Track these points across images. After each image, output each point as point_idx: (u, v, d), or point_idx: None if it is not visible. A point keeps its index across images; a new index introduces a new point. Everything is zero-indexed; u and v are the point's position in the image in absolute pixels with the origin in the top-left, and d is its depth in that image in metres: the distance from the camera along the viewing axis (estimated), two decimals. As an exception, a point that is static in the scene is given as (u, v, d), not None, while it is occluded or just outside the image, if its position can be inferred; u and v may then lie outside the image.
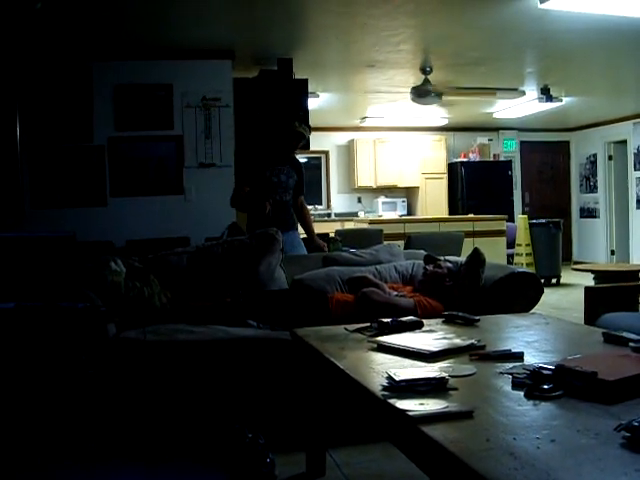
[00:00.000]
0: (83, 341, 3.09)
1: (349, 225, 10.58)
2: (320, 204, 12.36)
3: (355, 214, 11.81)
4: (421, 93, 7.18)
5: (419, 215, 11.73)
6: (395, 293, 4.07)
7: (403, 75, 7.54)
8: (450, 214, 11.72)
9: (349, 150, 12.13)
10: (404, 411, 1.81)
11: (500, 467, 1.43)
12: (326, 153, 12.23)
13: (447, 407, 1.83)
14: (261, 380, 3.56)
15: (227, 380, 3.55)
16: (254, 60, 6.84)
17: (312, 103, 8.30)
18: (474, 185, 11.74)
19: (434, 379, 2.07)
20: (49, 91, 6.22)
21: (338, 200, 12.30)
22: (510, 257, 10.26)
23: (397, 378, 2.08)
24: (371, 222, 9.72)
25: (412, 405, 1.85)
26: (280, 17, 5.65)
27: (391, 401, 1.92)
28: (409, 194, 12.21)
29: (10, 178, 6.19)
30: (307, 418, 3.17)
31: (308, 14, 5.69)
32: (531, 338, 2.81)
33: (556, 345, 2.76)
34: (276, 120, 6.42)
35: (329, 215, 12.02)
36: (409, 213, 12.06)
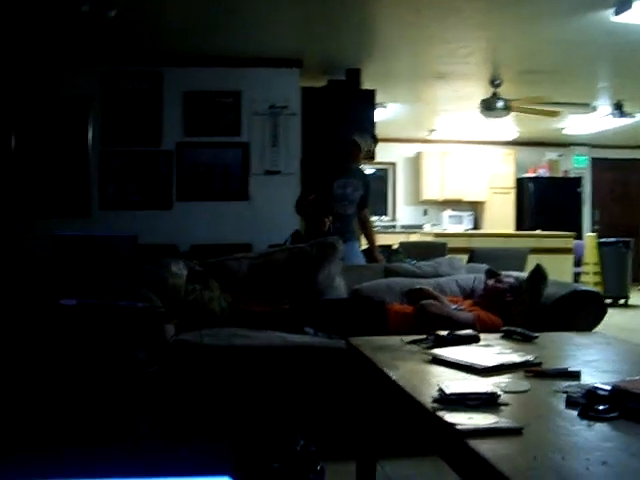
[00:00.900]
0: (141, 340, 3.15)
1: (414, 237, 10.51)
2: (385, 215, 12.32)
3: (420, 227, 11.74)
4: (489, 106, 7.10)
5: (485, 230, 11.57)
6: (454, 306, 4.02)
7: (471, 87, 7.47)
8: (517, 230, 11.52)
9: (416, 162, 12.06)
10: (452, 424, 1.78)
11: (545, 486, 1.39)
12: (393, 165, 12.18)
13: (497, 422, 1.80)
14: (316, 388, 3.57)
15: (282, 386, 3.57)
16: (322, 70, 6.88)
17: (380, 114, 8.30)
18: (542, 201, 11.53)
19: (485, 394, 2.03)
20: (120, 95, 6.39)
21: (404, 212, 12.23)
22: (577, 276, 10.02)
23: (448, 391, 2.05)
24: (436, 235, 9.65)
25: (461, 419, 1.82)
26: (349, 28, 5.69)
27: (440, 414, 1.89)
28: (476, 208, 12.06)
29: (80, 179, 6.37)
30: (359, 428, 3.14)
31: (377, 25, 5.71)
32: (590, 357, 2.73)
33: (616, 366, 2.67)
34: (340, 131, 6.48)
35: (394, 227, 11.98)
36: (475, 227, 11.90)
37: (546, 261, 9.69)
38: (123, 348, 3.06)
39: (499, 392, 2.06)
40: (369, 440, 3.10)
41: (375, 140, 5.57)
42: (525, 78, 7.05)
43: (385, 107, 8.44)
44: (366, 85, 6.90)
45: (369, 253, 5.60)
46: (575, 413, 1.91)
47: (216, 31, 5.78)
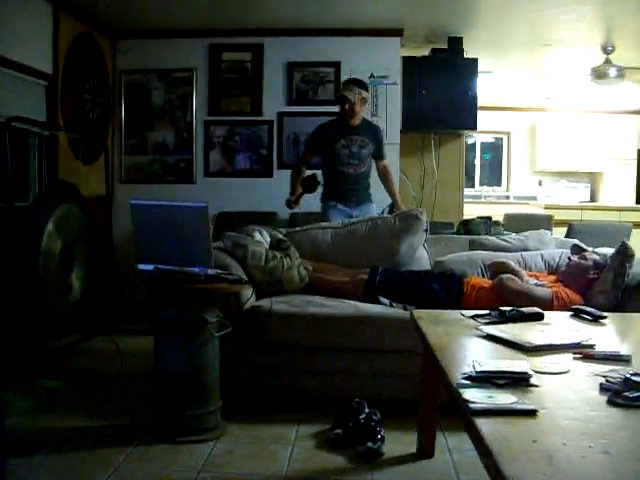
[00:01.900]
0: (212, 305, 3.30)
1: (526, 208, 10.24)
2: (500, 186, 12.06)
3: (534, 198, 11.41)
4: (601, 74, 6.78)
5: (602, 202, 11.09)
6: (534, 282, 3.94)
7: (583, 54, 7.14)
8: (637, 203, 10.97)
9: (532, 131, 11.68)
10: (466, 401, 1.80)
11: (528, 470, 1.39)
12: (508, 134, 11.86)
13: (514, 403, 1.80)
14: (385, 356, 3.62)
15: (351, 355, 3.65)
16: (424, 38, 6.78)
17: (489, 82, 8.11)
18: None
19: (516, 373, 2.03)
20: (224, 66, 6.58)
21: (518, 182, 11.90)
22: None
23: (479, 368, 2.06)
24: (546, 207, 9.37)
25: (479, 397, 1.83)
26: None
27: (460, 390, 1.90)
28: (593, 179, 11.58)
29: (185, 147, 6.64)
30: (421, 399, 3.17)
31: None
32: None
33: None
34: (442, 99, 6.43)
35: (507, 197, 11.71)
36: (592, 199, 11.44)
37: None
38: (193, 311, 3.21)
39: (531, 372, 2.05)
40: (429, 412, 3.13)
41: (364, 87, 5.27)
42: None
43: (492, 74, 8.19)
44: (470, 53, 6.75)
45: (393, 208, 5.41)
46: (605, 399, 1.88)
47: (317, 2, 5.81)
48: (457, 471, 3.00)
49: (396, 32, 6.51)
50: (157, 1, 5.59)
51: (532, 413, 1.74)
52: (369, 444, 3.10)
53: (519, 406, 1.77)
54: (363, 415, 3.32)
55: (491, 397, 1.84)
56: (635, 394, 1.87)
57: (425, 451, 3.14)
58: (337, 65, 6.57)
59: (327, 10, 6.04)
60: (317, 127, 5.41)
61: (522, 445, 1.53)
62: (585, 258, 3.95)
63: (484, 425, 1.64)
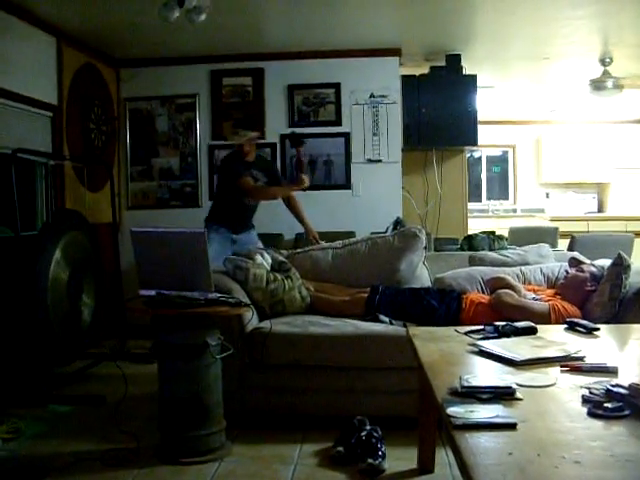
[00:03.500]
0: (213, 327, 3.37)
1: (533, 221, 10.28)
2: (507, 199, 12.09)
3: (542, 210, 11.43)
4: (599, 86, 6.84)
5: (610, 212, 11.10)
6: (532, 296, 3.99)
7: (581, 67, 7.20)
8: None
9: (537, 144, 11.72)
10: (449, 416, 1.85)
11: (499, 482, 1.45)
12: (513, 147, 11.91)
13: (494, 417, 1.85)
14: (386, 374, 3.67)
15: (351, 373, 3.70)
16: (422, 57, 6.87)
17: (489, 96, 8.18)
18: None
19: (500, 387, 2.08)
20: (226, 91, 6.71)
21: (525, 195, 11.93)
22: None
23: (464, 384, 2.11)
24: (552, 219, 9.40)
25: (462, 412, 1.88)
26: (447, 13, 5.63)
27: (445, 405, 1.96)
28: (600, 190, 11.58)
29: (191, 172, 6.76)
30: (420, 415, 3.22)
31: (476, 8, 5.61)
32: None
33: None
34: (442, 116, 6.52)
35: (515, 210, 11.73)
36: (599, 210, 11.45)
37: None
38: (195, 335, 3.28)
39: (515, 386, 2.10)
40: (428, 427, 3.17)
41: (250, 127, 5.41)
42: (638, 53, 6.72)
43: (493, 88, 8.24)
44: (469, 69, 6.82)
45: (397, 225, 5.55)
46: (585, 410, 1.93)
47: (314, 26, 5.91)
48: (457, 485, 3.03)
49: (394, 52, 6.61)
50: (158, 29, 5.69)
51: (512, 426, 1.79)
52: (370, 460, 3.15)
53: (499, 420, 1.82)
54: (364, 432, 3.37)
55: (473, 412, 1.89)
56: (615, 405, 1.92)
57: (426, 466, 3.18)
58: (337, 86, 6.68)
59: (326, 32, 6.14)
60: (226, 158, 5.57)
61: (497, 458, 1.59)
62: (582, 270, 3.99)
63: (462, 439, 1.70)
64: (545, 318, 3.66)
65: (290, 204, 5.67)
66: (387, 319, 3.98)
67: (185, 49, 6.50)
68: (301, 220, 5.68)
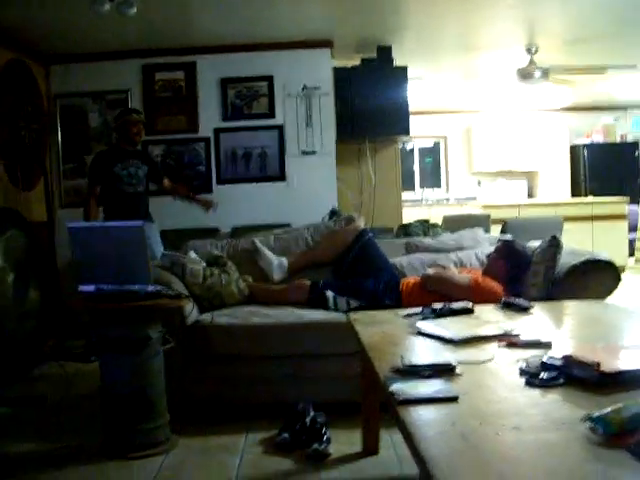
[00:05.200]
0: (154, 321, 3.36)
1: (465, 209, 10.48)
2: (439, 187, 12.30)
3: (474, 198, 11.67)
4: (526, 74, 7.03)
5: (539, 199, 11.41)
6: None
7: (509, 56, 7.38)
8: (573, 196, 11.31)
9: (468, 133, 11.96)
10: (392, 393, 1.90)
11: (444, 449, 1.50)
12: (444, 138, 12.12)
13: (436, 392, 1.91)
14: (328, 360, 3.73)
15: (294, 360, 3.74)
16: (354, 48, 6.92)
17: (420, 87, 8.31)
18: (597, 168, 11.23)
19: (439, 365, 2.15)
20: (158, 86, 6.65)
21: (457, 184, 12.16)
22: (632, 242, 9.83)
23: (406, 362, 2.17)
24: (484, 207, 9.61)
25: (404, 388, 1.94)
26: (377, 5, 5.71)
27: (388, 383, 2.01)
28: (529, 177, 11.89)
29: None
30: (363, 399, 3.28)
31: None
32: (576, 327, 2.79)
33: (599, 334, 2.70)
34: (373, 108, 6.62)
35: (447, 199, 11.94)
36: (529, 196, 11.76)
37: (600, 228, 9.58)
38: (136, 328, 3.27)
39: (455, 363, 2.17)
40: (371, 409, 3.23)
41: (121, 115, 5.54)
42: (563, 43, 6.92)
43: (422, 80, 8.36)
44: (399, 61, 6.92)
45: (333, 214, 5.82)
46: (523, 382, 2.01)
47: (246, 19, 5.90)
48: (402, 464, 3.10)
49: (326, 43, 6.65)
50: (88, 24, 5.59)
51: (454, 399, 1.86)
52: (316, 445, 3.20)
53: (441, 394, 1.89)
54: (309, 418, 3.42)
55: (415, 387, 1.95)
56: (550, 375, 2.01)
57: (370, 448, 3.25)
58: (270, 79, 6.69)
59: (257, 25, 6.13)
60: (94, 157, 5.59)
61: (441, 428, 1.65)
62: (496, 250, 4.15)
63: (406, 413, 1.75)
64: (467, 289, 3.75)
65: (171, 189, 5.90)
66: (332, 294, 4.03)
67: (116, 44, 6.41)
68: (192, 198, 5.91)
